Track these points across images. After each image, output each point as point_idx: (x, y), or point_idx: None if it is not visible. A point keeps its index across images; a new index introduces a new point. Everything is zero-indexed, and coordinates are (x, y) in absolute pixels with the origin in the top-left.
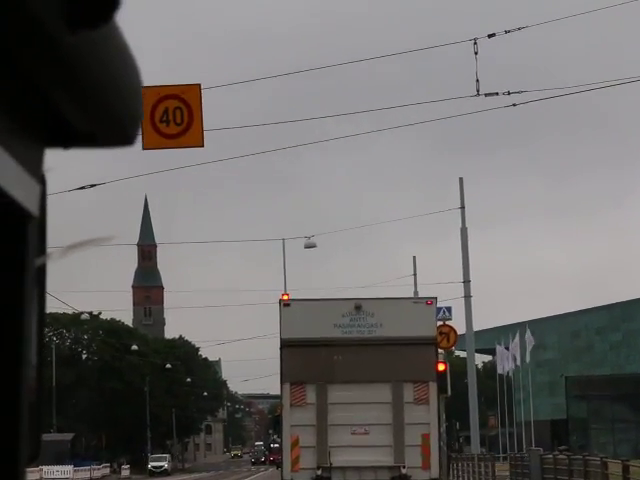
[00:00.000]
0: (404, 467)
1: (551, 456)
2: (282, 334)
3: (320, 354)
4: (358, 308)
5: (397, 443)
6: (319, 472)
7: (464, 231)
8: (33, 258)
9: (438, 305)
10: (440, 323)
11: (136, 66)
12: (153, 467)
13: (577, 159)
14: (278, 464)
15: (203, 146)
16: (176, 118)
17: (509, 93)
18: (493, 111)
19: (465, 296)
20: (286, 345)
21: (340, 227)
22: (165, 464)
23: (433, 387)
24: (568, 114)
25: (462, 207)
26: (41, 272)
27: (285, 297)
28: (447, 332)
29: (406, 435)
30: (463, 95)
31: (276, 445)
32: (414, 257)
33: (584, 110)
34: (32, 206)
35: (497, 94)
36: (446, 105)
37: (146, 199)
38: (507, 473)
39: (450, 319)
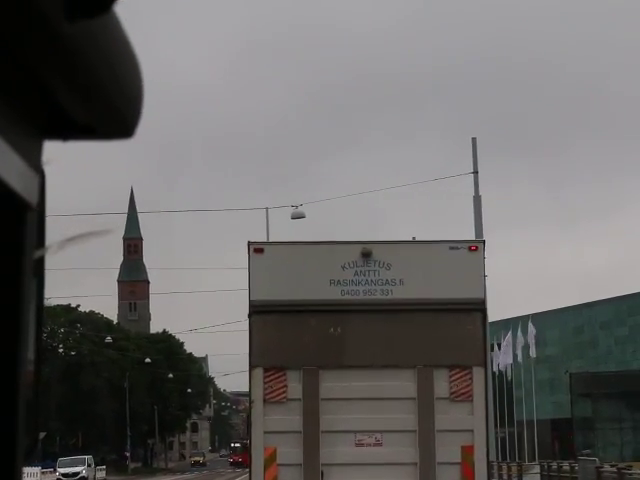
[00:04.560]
0: None
1: (615, 469)
2: (251, 295)
3: (309, 325)
4: (367, 256)
5: (425, 459)
6: None
7: (477, 200)
8: (32, 250)
9: None
10: None
11: (136, 57)
12: (63, 475)
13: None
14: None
15: None
16: None
17: None
18: None
19: None
20: (258, 311)
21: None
22: (82, 470)
23: (479, 375)
24: None
25: (475, 172)
26: (40, 264)
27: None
28: None
29: (438, 447)
30: None
31: (237, 445)
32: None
33: None
34: (31, 197)
35: None
36: None
37: (132, 191)
38: None
39: None
